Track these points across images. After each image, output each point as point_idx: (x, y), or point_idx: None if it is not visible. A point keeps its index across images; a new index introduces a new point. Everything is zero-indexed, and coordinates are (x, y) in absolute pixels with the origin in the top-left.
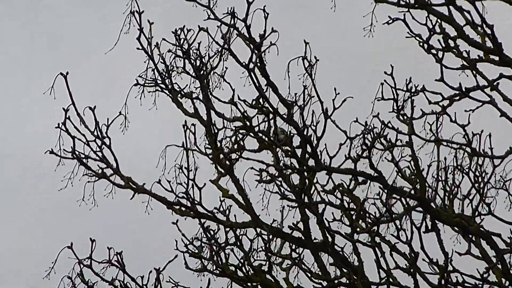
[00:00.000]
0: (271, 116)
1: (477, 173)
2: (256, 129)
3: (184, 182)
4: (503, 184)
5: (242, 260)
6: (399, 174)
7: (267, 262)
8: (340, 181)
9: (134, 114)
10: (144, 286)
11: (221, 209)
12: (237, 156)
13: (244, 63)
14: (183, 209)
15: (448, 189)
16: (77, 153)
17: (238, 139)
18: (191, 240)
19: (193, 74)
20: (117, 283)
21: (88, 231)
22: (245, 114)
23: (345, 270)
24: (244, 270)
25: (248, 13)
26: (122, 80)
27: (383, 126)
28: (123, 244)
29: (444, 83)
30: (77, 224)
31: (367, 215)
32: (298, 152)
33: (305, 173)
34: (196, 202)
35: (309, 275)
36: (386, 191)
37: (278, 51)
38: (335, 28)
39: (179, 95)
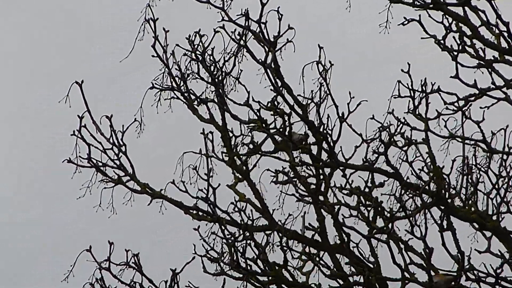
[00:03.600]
0: (286, 117)
1: (496, 172)
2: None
3: (204, 188)
4: None
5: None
6: (413, 171)
7: (283, 257)
8: (356, 181)
9: (150, 120)
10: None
11: (236, 209)
12: (254, 162)
13: (260, 60)
14: (200, 213)
15: (469, 187)
16: (94, 161)
17: (253, 138)
18: (211, 246)
19: (209, 80)
20: (136, 285)
21: (107, 236)
22: (259, 115)
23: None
24: (260, 265)
25: (262, 14)
26: (137, 87)
27: (399, 123)
28: (142, 248)
29: (459, 80)
30: (95, 229)
31: (383, 211)
32: (314, 150)
33: (321, 170)
34: (211, 203)
35: (326, 270)
36: (401, 187)
37: (294, 48)
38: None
39: (195, 102)
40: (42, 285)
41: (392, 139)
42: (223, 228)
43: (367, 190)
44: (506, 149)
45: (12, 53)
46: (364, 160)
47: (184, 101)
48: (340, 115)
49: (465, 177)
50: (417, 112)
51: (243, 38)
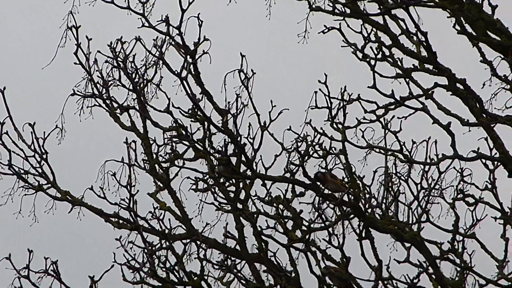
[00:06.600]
0: (205, 124)
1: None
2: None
3: (127, 197)
4: (440, 192)
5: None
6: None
7: (200, 267)
8: (276, 190)
9: (72, 128)
10: None
11: (155, 216)
12: (176, 171)
13: (176, 72)
14: (121, 221)
15: (389, 197)
16: (16, 168)
17: (174, 147)
18: (133, 256)
19: (130, 87)
20: None
21: (27, 244)
22: (179, 122)
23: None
24: (177, 275)
25: (182, 20)
26: (59, 94)
27: (316, 134)
28: (62, 255)
29: (377, 90)
30: (16, 237)
31: (302, 222)
32: (233, 160)
33: (240, 182)
34: (131, 210)
35: (244, 282)
36: (318, 197)
37: (210, 59)
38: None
39: (117, 109)
40: None
41: (309, 151)
42: (142, 236)
43: (289, 197)
44: (428, 161)
45: None
46: (285, 169)
47: (106, 108)
48: (262, 124)
49: (386, 188)
50: (334, 124)
51: (160, 51)
